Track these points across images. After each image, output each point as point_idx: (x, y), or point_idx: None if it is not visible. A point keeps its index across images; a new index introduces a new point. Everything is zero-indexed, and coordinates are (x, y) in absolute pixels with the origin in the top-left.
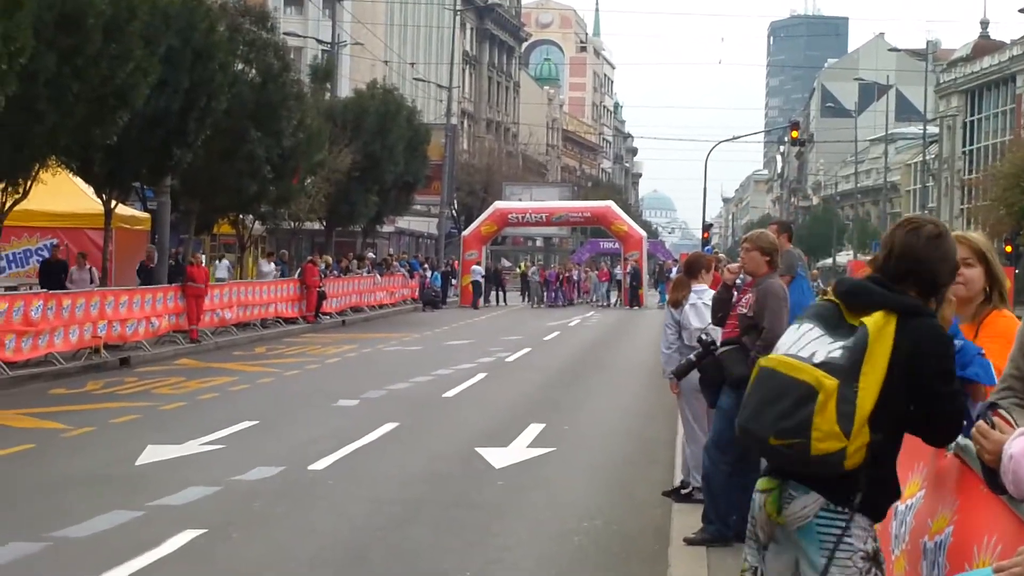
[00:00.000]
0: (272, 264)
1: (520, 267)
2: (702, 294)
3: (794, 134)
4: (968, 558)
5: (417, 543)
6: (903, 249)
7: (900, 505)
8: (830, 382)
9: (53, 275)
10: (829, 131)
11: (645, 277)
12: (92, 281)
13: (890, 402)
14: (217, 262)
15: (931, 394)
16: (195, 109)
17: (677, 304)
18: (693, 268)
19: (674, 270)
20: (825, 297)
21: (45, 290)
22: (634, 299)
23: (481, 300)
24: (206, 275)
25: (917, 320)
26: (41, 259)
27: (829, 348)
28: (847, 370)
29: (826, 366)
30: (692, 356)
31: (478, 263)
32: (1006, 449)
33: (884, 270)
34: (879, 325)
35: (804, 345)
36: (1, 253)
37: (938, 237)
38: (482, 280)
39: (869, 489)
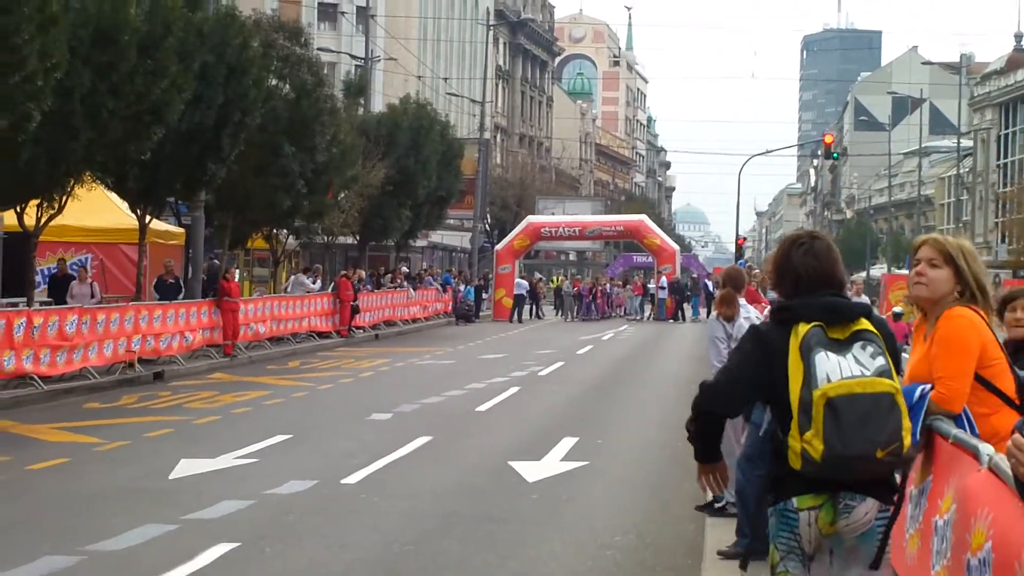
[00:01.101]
0: (312, 278)
1: (554, 281)
2: (749, 309)
3: (828, 139)
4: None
5: (449, 557)
6: (810, 272)
7: (939, 519)
8: (898, 385)
9: (59, 290)
10: (863, 144)
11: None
12: (92, 296)
13: None
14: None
15: (898, 361)
16: (229, 124)
17: (731, 318)
18: (739, 282)
19: (709, 283)
20: (806, 327)
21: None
22: (677, 311)
23: (516, 315)
24: (239, 290)
25: (874, 314)
26: (49, 275)
27: (862, 361)
28: (892, 371)
29: (885, 374)
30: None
31: (523, 276)
32: None
33: (803, 289)
34: (871, 327)
35: (848, 366)
36: (37, 268)
37: (830, 249)
38: (526, 294)
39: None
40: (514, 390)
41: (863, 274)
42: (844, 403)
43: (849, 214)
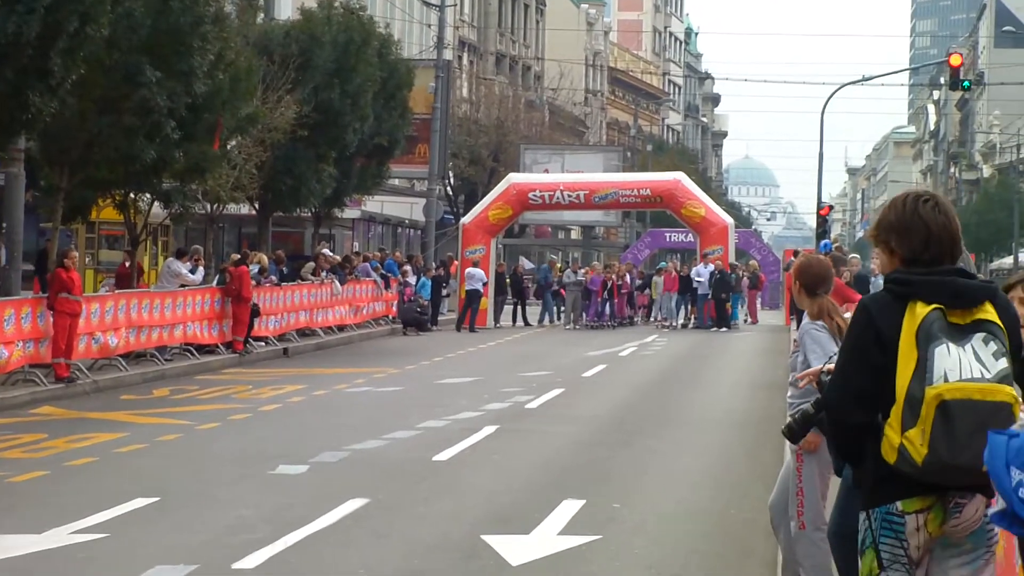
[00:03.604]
0: (189, 266)
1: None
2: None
3: (955, 60)
4: None
5: None
6: (941, 231)
7: None
8: (1017, 392)
9: None
10: (1007, 69)
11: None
12: None
13: None
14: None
15: (1019, 351)
16: (61, 36)
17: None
18: (824, 279)
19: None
20: (925, 309)
21: None
22: (721, 316)
23: (467, 319)
24: (80, 284)
25: (1001, 297)
26: None
27: (987, 359)
28: (1013, 375)
29: (1006, 379)
30: (810, 405)
31: (500, 265)
32: None
33: (931, 257)
34: (996, 317)
35: (968, 364)
36: None
37: (952, 210)
38: (481, 288)
39: None
40: (489, 430)
41: (1008, 259)
42: (960, 409)
43: (987, 171)
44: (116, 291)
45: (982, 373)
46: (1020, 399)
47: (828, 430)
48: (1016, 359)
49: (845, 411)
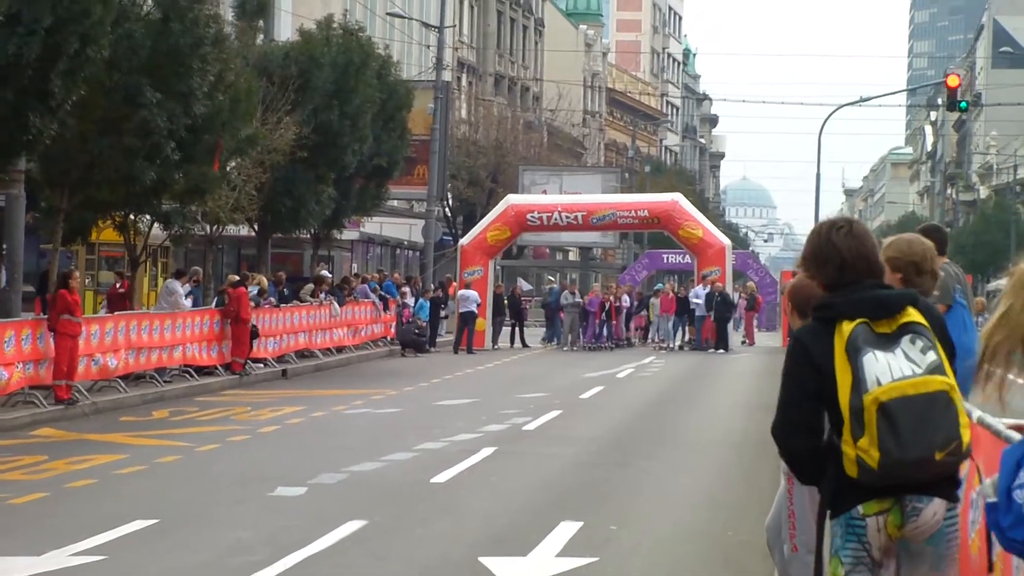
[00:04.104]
0: (188, 287)
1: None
2: None
3: (952, 81)
4: None
5: None
6: (854, 254)
7: (971, 492)
8: (952, 380)
9: None
10: (1005, 89)
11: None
12: None
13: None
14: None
15: (952, 351)
16: (62, 58)
17: None
18: (805, 304)
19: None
20: (850, 326)
21: None
22: (721, 337)
23: (468, 339)
24: (79, 306)
25: (922, 301)
26: None
27: (911, 358)
28: (945, 365)
29: (937, 370)
30: None
31: (498, 287)
32: None
33: (848, 277)
34: (920, 318)
35: (898, 366)
36: None
37: (867, 233)
38: (475, 310)
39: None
40: (487, 452)
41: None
42: (898, 407)
43: (984, 192)
44: (114, 313)
45: (912, 370)
46: (956, 387)
47: (783, 458)
48: (948, 353)
49: (790, 440)
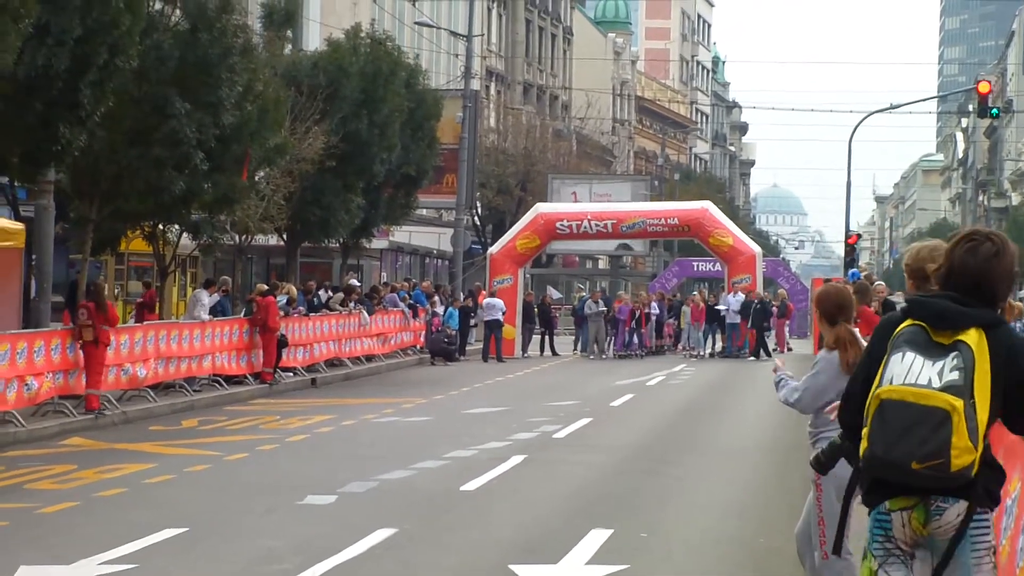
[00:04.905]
0: (217, 297)
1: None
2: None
3: (984, 87)
4: None
5: None
6: (962, 268)
7: (1007, 500)
8: (959, 403)
9: None
10: None
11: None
12: None
13: (993, 407)
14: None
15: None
16: (91, 69)
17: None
18: (832, 312)
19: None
20: (910, 322)
21: None
22: (760, 344)
23: (497, 347)
24: (115, 315)
25: (1001, 330)
26: None
27: (940, 371)
28: (965, 388)
29: (950, 389)
30: (837, 436)
31: (528, 295)
32: None
33: (950, 286)
34: (976, 341)
35: (917, 373)
36: None
37: (996, 256)
38: (501, 318)
39: (989, 483)
40: (517, 460)
41: None
42: (892, 408)
43: (1016, 198)
44: (142, 323)
45: (929, 380)
46: (963, 411)
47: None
48: (1012, 392)
49: (843, 412)
